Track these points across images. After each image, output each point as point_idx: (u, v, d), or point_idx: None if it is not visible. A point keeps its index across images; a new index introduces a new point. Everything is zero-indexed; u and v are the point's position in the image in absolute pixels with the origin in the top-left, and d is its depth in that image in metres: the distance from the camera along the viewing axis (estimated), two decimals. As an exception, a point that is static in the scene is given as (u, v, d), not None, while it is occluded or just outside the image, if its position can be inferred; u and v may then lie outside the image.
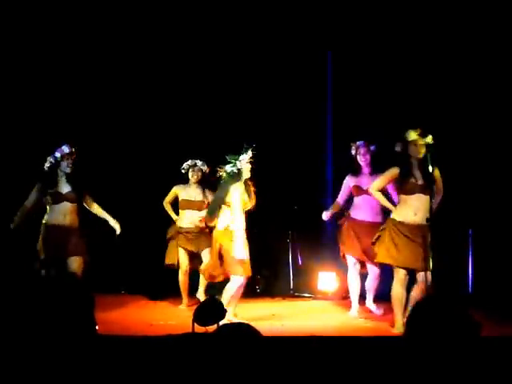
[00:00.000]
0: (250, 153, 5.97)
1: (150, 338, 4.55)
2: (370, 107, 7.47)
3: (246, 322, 5.48)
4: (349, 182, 6.57)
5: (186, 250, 6.95)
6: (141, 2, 7.47)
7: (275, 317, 6.36)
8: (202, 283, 6.97)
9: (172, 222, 7.14)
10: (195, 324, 4.59)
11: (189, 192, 7.06)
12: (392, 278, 5.62)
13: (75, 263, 6.01)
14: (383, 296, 6.54)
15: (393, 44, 7.41)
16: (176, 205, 7.17)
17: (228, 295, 5.82)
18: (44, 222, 6.12)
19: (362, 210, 6.44)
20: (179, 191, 7.09)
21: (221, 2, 7.45)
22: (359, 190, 6.44)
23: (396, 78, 7.41)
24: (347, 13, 7.41)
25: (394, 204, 5.80)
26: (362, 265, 6.51)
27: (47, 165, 6.05)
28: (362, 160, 6.47)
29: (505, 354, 3.55)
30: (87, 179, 6.31)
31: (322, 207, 7.02)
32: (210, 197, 6.90)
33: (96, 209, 6.27)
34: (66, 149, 6.02)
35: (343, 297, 7.48)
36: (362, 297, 6.60)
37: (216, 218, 5.95)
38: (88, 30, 7.47)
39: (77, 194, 6.10)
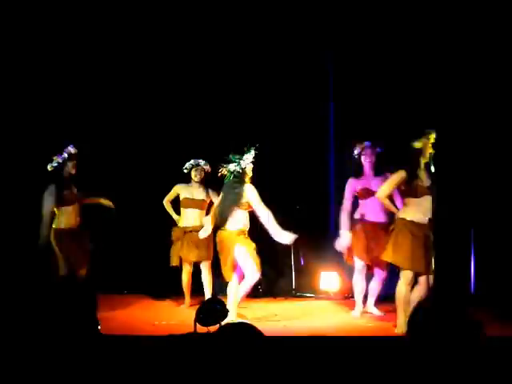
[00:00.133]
0: (252, 152, 5.99)
1: (152, 337, 4.55)
2: (371, 107, 7.47)
3: (248, 321, 5.51)
4: (354, 185, 6.45)
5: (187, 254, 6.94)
6: (144, 3, 7.47)
7: (277, 317, 6.37)
8: (209, 284, 6.94)
9: (173, 221, 7.14)
10: (197, 324, 4.60)
11: (190, 191, 7.06)
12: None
13: (84, 271, 6.10)
14: (383, 296, 6.56)
15: (395, 43, 7.40)
16: (176, 204, 7.17)
17: (242, 293, 5.84)
18: (55, 226, 6.04)
19: (372, 212, 6.33)
20: (181, 190, 7.10)
21: (223, 3, 7.45)
22: (368, 193, 6.34)
23: (398, 78, 7.40)
24: (349, 13, 7.41)
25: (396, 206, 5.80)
26: (368, 266, 6.47)
27: (54, 165, 5.99)
28: (367, 161, 6.40)
29: (507, 354, 3.55)
30: (89, 180, 6.32)
31: (323, 207, 7.01)
32: (213, 197, 6.90)
33: (88, 201, 6.29)
34: (72, 149, 6.01)
35: (345, 297, 7.49)
36: (365, 297, 6.59)
37: (227, 221, 5.93)
38: (90, 31, 7.47)
39: (83, 195, 6.11)
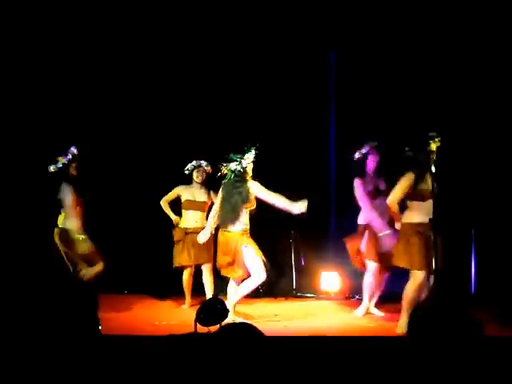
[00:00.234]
0: (253, 152, 5.98)
1: (153, 337, 4.55)
2: (373, 107, 7.47)
3: (249, 321, 5.52)
4: (363, 185, 6.35)
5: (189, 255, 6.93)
6: (144, 3, 7.48)
7: (278, 317, 6.36)
8: (210, 285, 6.94)
9: (173, 224, 7.11)
10: (198, 324, 4.60)
11: (192, 192, 7.05)
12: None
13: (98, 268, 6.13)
14: (383, 297, 6.56)
15: (396, 44, 7.41)
16: (174, 205, 7.15)
17: (245, 292, 5.84)
18: (70, 227, 6.03)
19: (381, 213, 6.28)
20: (182, 192, 7.08)
21: (225, 2, 7.45)
22: (378, 193, 6.32)
23: (399, 78, 7.41)
24: (350, 13, 7.41)
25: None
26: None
27: (59, 166, 5.96)
28: (374, 160, 6.38)
29: (507, 354, 3.55)
30: (90, 180, 6.32)
31: (324, 207, 7.00)
32: (214, 198, 6.85)
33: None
34: (74, 150, 6.01)
35: (346, 297, 7.49)
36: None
37: (232, 222, 5.91)
38: (91, 32, 7.48)
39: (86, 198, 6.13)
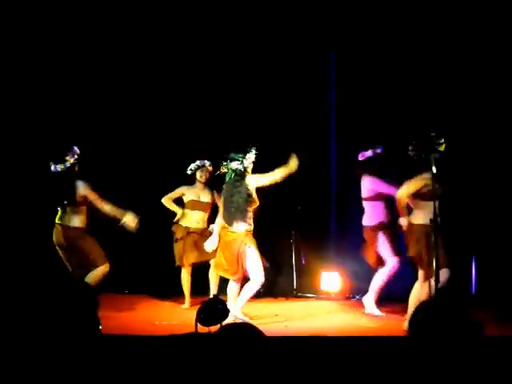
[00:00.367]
0: (254, 151, 5.97)
1: (153, 337, 4.55)
2: (373, 107, 7.47)
3: (249, 322, 5.52)
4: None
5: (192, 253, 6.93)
6: (145, 3, 7.48)
7: (278, 317, 6.37)
8: (215, 281, 6.93)
9: (173, 221, 7.11)
10: (198, 324, 4.60)
11: (196, 192, 7.04)
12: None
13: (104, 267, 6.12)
14: (384, 297, 6.57)
15: (396, 44, 7.41)
16: (176, 203, 7.14)
17: (249, 295, 5.85)
18: (81, 225, 6.03)
19: (385, 214, 6.47)
20: (186, 192, 7.06)
21: (226, 2, 7.46)
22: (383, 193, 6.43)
23: (400, 78, 7.41)
24: (350, 13, 7.42)
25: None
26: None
27: (67, 165, 5.95)
28: (383, 161, 6.49)
29: (507, 354, 3.55)
30: (92, 180, 6.32)
31: (325, 207, 7.00)
32: (217, 199, 6.80)
33: None
34: (77, 150, 6.02)
35: (346, 297, 7.50)
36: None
37: (238, 223, 5.89)
38: (91, 32, 7.49)
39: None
